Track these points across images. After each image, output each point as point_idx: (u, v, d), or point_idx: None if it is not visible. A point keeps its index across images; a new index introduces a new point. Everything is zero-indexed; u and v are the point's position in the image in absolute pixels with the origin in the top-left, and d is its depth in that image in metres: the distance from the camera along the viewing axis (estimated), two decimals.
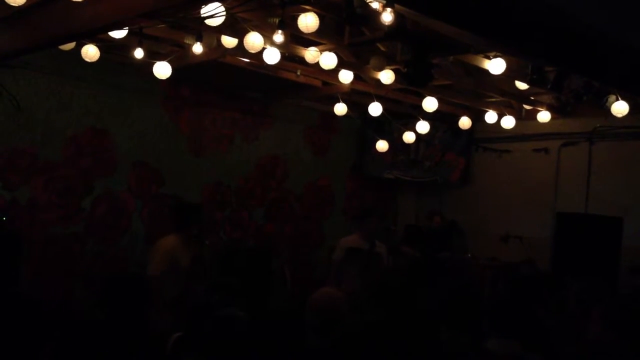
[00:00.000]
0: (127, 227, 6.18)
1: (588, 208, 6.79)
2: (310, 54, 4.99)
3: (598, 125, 6.71)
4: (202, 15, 3.62)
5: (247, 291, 5.48)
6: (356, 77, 5.65)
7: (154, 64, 4.84)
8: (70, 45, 4.81)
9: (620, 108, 5.31)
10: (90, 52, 4.79)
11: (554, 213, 6.87)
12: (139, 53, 4.43)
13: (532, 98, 6.36)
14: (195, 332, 2.76)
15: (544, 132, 7.13)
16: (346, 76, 5.47)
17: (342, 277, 5.20)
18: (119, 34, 4.25)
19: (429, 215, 7.47)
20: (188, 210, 4.95)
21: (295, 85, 6.18)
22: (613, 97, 5.29)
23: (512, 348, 3.09)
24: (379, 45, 5.09)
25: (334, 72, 5.37)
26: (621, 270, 5.91)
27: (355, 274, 5.14)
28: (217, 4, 3.59)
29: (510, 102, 6.65)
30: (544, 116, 6.44)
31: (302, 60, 5.20)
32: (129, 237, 6.17)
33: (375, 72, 5.33)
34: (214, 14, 3.44)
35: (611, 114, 5.41)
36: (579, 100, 5.23)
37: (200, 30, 4.23)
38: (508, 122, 6.53)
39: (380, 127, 7.59)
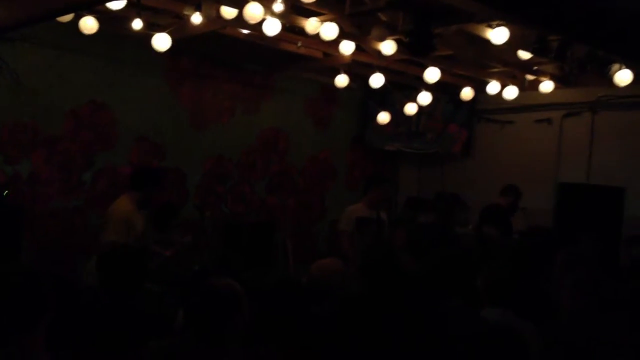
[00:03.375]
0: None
1: (590, 178, 6.79)
2: (311, 25, 4.93)
3: (601, 94, 6.66)
4: None
5: (249, 264, 5.53)
6: (357, 48, 5.58)
7: (153, 35, 4.79)
8: (69, 17, 4.75)
9: (623, 77, 5.27)
10: (89, 24, 4.73)
11: (556, 184, 6.86)
12: (137, 24, 4.39)
13: (535, 68, 6.29)
14: (186, 304, 2.76)
15: (547, 103, 7.08)
16: (347, 47, 5.41)
17: (354, 247, 5.22)
18: (117, 4, 4.20)
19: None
20: (145, 174, 4.88)
21: (296, 57, 6.13)
22: (617, 66, 5.25)
23: (506, 316, 3.11)
24: (380, 15, 5.02)
25: (335, 43, 5.31)
26: (622, 240, 5.92)
27: (367, 245, 5.17)
28: None
29: (513, 72, 6.59)
30: (546, 86, 6.38)
31: (302, 31, 5.14)
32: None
33: (377, 43, 5.27)
34: None
35: (615, 84, 5.36)
36: (583, 69, 5.19)
37: (200, 0, 4.18)
38: (510, 92, 6.48)
39: (381, 98, 7.55)
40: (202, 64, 6.62)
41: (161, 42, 4.78)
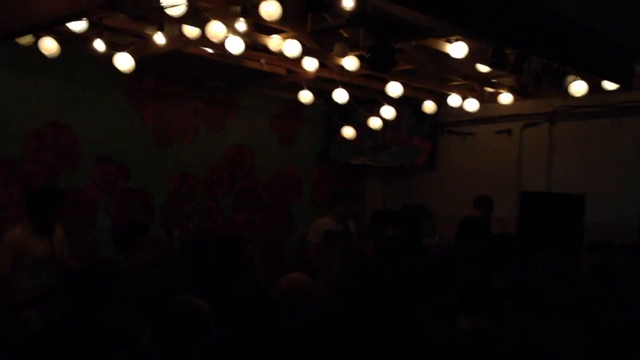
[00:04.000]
0: (93, 222, 6.10)
1: (551, 187, 6.97)
2: (274, 42, 4.98)
3: (558, 105, 6.87)
4: (162, 5, 3.57)
5: (218, 280, 5.49)
6: (320, 64, 5.64)
7: (114, 55, 4.76)
8: (28, 39, 4.70)
9: (578, 88, 5.44)
10: (49, 46, 4.68)
11: (518, 193, 7.02)
12: (99, 45, 4.37)
13: (493, 80, 6.46)
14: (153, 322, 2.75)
15: (506, 114, 7.28)
16: (310, 63, 5.46)
17: (323, 260, 5.24)
18: (78, 25, 4.17)
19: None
20: (34, 198, 4.59)
21: (260, 74, 6.16)
22: (571, 77, 5.42)
23: (480, 324, 3.18)
24: (341, 31, 5.10)
25: (298, 59, 5.36)
26: (584, 246, 6.07)
27: (336, 258, 5.20)
28: None
29: (472, 85, 6.74)
30: (505, 98, 6.55)
31: (265, 49, 5.18)
32: (95, 233, 6.10)
33: (339, 59, 5.35)
34: (175, 4, 3.41)
35: (570, 95, 5.54)
36: (539, 81, 5.34)
37: (162, 20, 4.18)
38: (471, 105, 6.62)
39: (346, 113, 7.60)
40: (165, 83, 6.61)
41: (123, 62, 4.75)
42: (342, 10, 3.66)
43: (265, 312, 3.20)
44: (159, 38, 4.26)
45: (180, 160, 6.78)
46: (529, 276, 3.94)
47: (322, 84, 6.52)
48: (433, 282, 3.37)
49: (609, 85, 5.76)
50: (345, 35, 5.14)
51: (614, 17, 4.80)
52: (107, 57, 4.81)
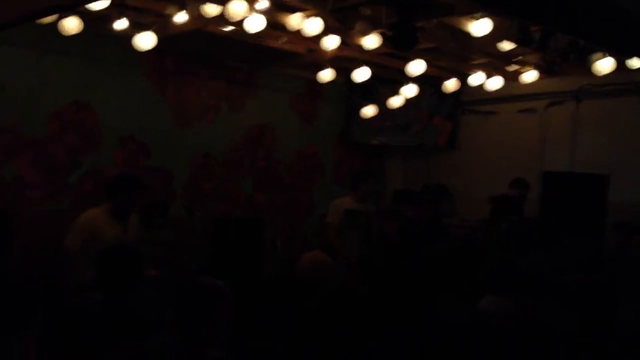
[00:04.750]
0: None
1: (574, 166, 6.86)
2: (295, 21, 4.93)
3: (584, 83, 6.73)
4: None
5: (239, 261, 5.53)
6: (341, 43, 5.59)
7: (135, 35, 4.76)
8: (51, 18, 4.72)
9: (605, 66, 5.32)
10: (71, 24, 4.70)
11: (541, 173, 6.93)
12: (120, 24, 4.37)
13: (518, 58, 6.34)
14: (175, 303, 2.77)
15: (530, 93, 7.14)
16: (331, 42, 5.41)
17: (343, 240, 5.22)
18: (100, 4, 4.17)
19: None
20: (116, 182, 4.62)
21: (280, 53, 6.12)
22: (599, 54, 5.30)
23: (504, 305, 3.16)
24: (362, 9, 5.03)
25: (319, 38, 5.32)
26: (608, 226, 6.00)
27: (357, 239, 5.18)
28: None
29: (496, 63, 6.63)
30: (530, 76, 6.44)
31: (285, 28, 5.14)
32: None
33: (361, 37, 5.28)
34: None
35: (596, 72, 5.42)
36: (565, 59, 5.24)
37: (184, 1, 4.16)
38: (494, 83, 6.52)
39: (366, 92, 7.56)
40: (185, 63, 6.60)
41: (145, 41, 4.77)
42: None
43: (286, 290, 3.22)
44: (181, 17, 4.24)
45: (201, 140, 6.79)
46: (545, 260, 3.91)
47: (343, 63, 6.46)
48: (456, 268, 3.36)
49: (636, 63, 5.63)
50: (366, 13, 5.07)
51: None
52: (129, 36, 4.82)
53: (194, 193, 6.76)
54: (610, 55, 5.29)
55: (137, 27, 4.99)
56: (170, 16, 4.56)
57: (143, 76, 6.32)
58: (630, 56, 5.52)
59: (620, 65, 5.59)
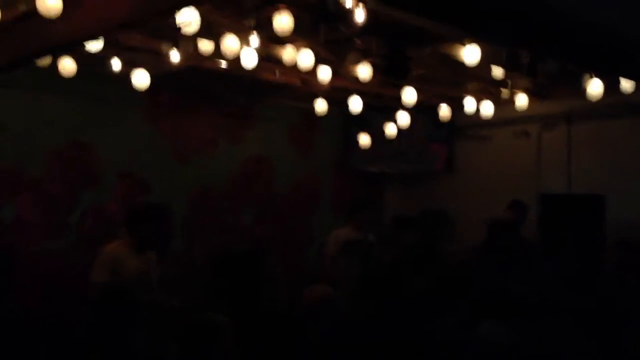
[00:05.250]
0: (115, 238, 6.16)
1: (571, 188, 6.90)
2: (288, 54, 5.02)
3: (575, 105, 6.81)
4: (177, 23, 3.64)
5: (239, 294, 5.50)
6: (335, 73, 5.67)
7: (132, 73, 4.85)
8: (47, 61, 4.80)
9: (595, 88, 5.38)
10: (67, 66, 4.79)
11: (538, 195, 6.96)
12: (116, 65, 4.45)
13: (509, 83, 6.42)
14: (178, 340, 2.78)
15: (523, 116, 7.19)
16: (325, 73, 5.50)
17: (340, 272, 5.21)
18: (95, 46, 4.26)
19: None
20: (133, 215, 4.55)
21: (275, 85, 6.21)
22: (588, 77, 5.37)
23: (501, 333, 3.16)
24: (355, 40, 5.12)
25: (313, 70, 5.40)
26: (606, 246, 6.01)
27: (357, 269, 5.16)
28: (193, 11, 3.61)
29: (488, 88, 6.71)
30: (521, 100, 6.51)
31: (280, 60, 5.23)
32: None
33: (354, 68, 5.37)
34: (190, 21, 3.46)
35: (587, 94, 5.49)
36: (555, 83, 5.31)
37: (176, 38, 4.25)
38: (487, 108, 6.59)
39: (362, 121, 7.63)
40: (182, 98, 6.68)
41: (141, 79, 4.84)
42: (354, 23, 3.68)
43: (289, 324, 3.23)
44: (175, 56, 4.32)
45: (200, 174, 6.84)
46: (539, 282, 3.92)
47: (337, 93, 6.54)
48: (453, 293, 3.37)
49: (626, 84, 5.70)
50: (359, 44, 5.16)
51: (630, 15, 4.76)
52: (125, 74, 4.90)
53: (194, 226, 6.78)
54: (599, 77, 5.36)
55: (132, 65, 5.08)
56: (165, 54, 4.64)
57: (140, 113, 6.40)
58: (620, 77, 5.60)
59: (611, 87, 5.66)
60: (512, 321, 3.23)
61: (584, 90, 5.43)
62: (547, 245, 6.21)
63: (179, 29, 3.76)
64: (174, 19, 3.69)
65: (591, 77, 5.34)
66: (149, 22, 4.11)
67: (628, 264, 5.44)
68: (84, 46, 4.29)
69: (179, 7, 3.51)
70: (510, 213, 6.40)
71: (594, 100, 5.44)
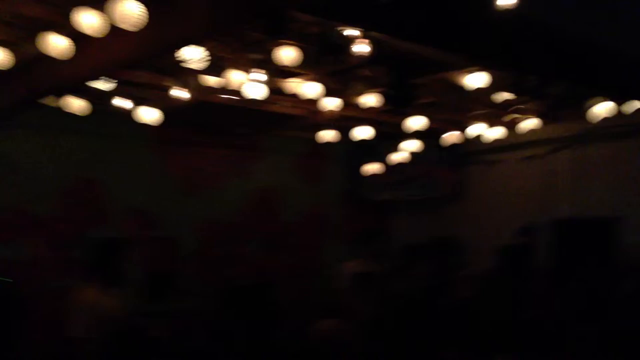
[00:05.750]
0: (126, 275, 6.12)
1: (582, 211, 6.82)
2: (293, 85, 5.04)
3: (584, 127, 6.76)
4: (182, 60, 3.65)
5: (251, 328, 5.44)
6: (341, 103, 5.68)
7: (138, 109, 4.87)
8: (56, 102, 4.84)
9: (603, 110, 5.36)
10: (78, 104, 4.82)
11: (549, 220, 6.88)
12: (123, 103, 4.47)
13: (516, 107, 6.40)
14: None
15: (532, 140, 7.18)
16: (331, 103, 5.50)
17: (353, 306, 5.15)
18: (104, 85, 4.28)
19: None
20: (103, 249, 4.31)
21: (283, 116, 6.22)
22: (595, 99, 5.35)
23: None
24: (360, 70, 5.13)
25: (319, 100, 5.41)
26: (620, 270, 5.91)
27: (367, 301, 5.10)
28: (196, 48, 3.63)
29: (495, 112, 6.69)
30: (529, 124, 6.48)
31: (286, 92, 5.24)
32: (128, 287, 6.11)
33: (360, 97, 5.37)
34: (194, 58, 3.48)
35: (595, 117, 5.46)
36: (562, 106, 5.28)
37: (181, 75, 4.27)
38: (495, 132, 6.57)
39: (369, 149, 7.62)
40: (189, 132, 6.71)
41: (147, 115, 4.87)
42: (357, 54, 3.68)
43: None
44: (181, 93, 4.34)
45: (208, 208, 6.83)
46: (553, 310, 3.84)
47: (344, 122, 6.54)
48: (465, 322, 3.30)
49: (634, 105, 5.67)
50: (364, 73, 5.17)
51: (635, 36, 4.75)
52: (132, 111, 4.93)
53: (203, 261, 6.74)
54: (606, 99, 5.33)
55: (139, 101, 5.10)
56: (170, 89, 4.66)
57: (148, 148, 6.42)
58: (627, 98, 5.57)
59: (620, 108, 5.63)
60: (525, 355, 3.16)
61: (591, 112, 5.41)
62: (560, 271, 6.10)
63: (185, 65, 3.77)
64: (180, 56, 3.70)
65: (599, 100, 5.32)
66: (154, 60, 4.14)
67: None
68: (90, 86, 4.31)
69: (184, 45, 3.53)
70: (521, 238, 6.33)
71: (599, 119, 5.41)
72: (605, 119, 5.61)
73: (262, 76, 4.02)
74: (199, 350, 4.25)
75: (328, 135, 6.41)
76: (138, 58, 3.63)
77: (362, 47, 3.40)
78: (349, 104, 5.89)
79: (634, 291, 5.17)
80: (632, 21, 4.45)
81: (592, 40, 4.82)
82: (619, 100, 5.54)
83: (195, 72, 4.39)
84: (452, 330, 3.58)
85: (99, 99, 5.17)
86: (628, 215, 6.24)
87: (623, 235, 6.18)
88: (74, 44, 3.44)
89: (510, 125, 6.78)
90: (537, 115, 6.51)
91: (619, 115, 5.70)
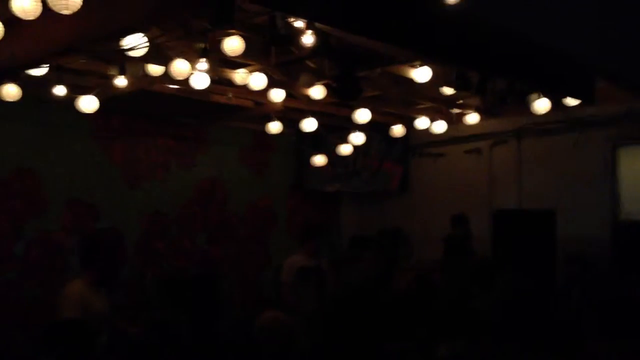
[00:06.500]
0: (65, 268, 5.96)
1: (522, 204, 7.03)
2: (240, 76, 4.98)
3: (524, 123, 6.97)
4: (123, 48, 3.55)
5: (195, 320, 5.38)
6: (288, 95, 5.66)
7: (79, 97, 4.71)
8: None
9: (542, 106, 5.52)
10: (11, 91, 4.61)
11: (490, 211, 7.06)
12: (60, 90, 4.32)
13: (459, 102, 6.53)
14: None
15: (475, 134, 7.35)
16: (277, 95, 5.47)
17: (296, 299, 5.16)
18: (38, 71, 4.12)
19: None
20: (93, 249, 4.35)
21: (228, 108, 6.15)
22: (535, 95, 5.50)
23: (459, 349, 3.16)
24: (307, 62, 5.12)
25: (265, 91, 5.37)
26: (558, 260, 6.12)
27: (311, 295, 5.11)
28: (139, 35, 3.54)
29: (439, 107, 6.81)
30: (472, 119, 6.62)
31: (232, 83, 5.18)
32: (66, 280, 5.94)
33: (306, 89, 5.36)
34: (136, 45, 3.39)
35: (535, 112, 5.62)
36: (503, 101, 5.41)
37: (123, 62, 4.15)
38: (439, 127, 6.68)
39: (316, 141, 7.63)
40: (132, 121, 6.55)
41: (87, 104, 4.72)
42: (304, 45, 3.67)
43: (243, 351, 3.15)
44: (121, 81, 4.22)
45: (152, 199, 6.70)
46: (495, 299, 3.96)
47: (290, 114, 6.52)
48: (411, 313, 3.35)
49: (571, 101, 5.87)
50: (310, 65, 5.16)
51: (573, 35, 4.92)
52: (72, 98, 4.76)
53: (146, 252, 6.61)
54: (545, 95, 5.49)
55: (79, 89, 4.93)
56: (112, 77, 4.52)
57: (89, 138, 6.23)
58: (566, 95, 5.76)
59: (557, 104, 5.81)
60: (470, 341, 3.23)
61: (531, 108, 5.57)
62: (500, 261, 6.27)
63: (125, 53, 3.67)
64: (120, 43, 3.60)
65: (538, 96, 5.47)
66: (94, 47, 4.02)
67: (575, 278, 5.57)
68: (25, 72, 4.15)
69: (126, 32, 3.44)
70: (458, 230, 6.48)
71: (540, 113, 5.58)
72: (543, 115, 5.78)
73: (207, 66, 3.94)
74: (141, 343, 4.17)
75: (275, 127, 6.38)
76: (77, 43, 3.51)
77: (307, 38, 3.38)
78: (296, 96, 5.88)
79: (571, 281, 5.36)
80: (571, 22, 4.60)
81: (533, 38, 4.96)
82: (557, 97, 5.72)
83: (137, 60, 4.27)
84: (396, 321, 3.62)
85: (36, 86, 4.98)
86: (564, 207, 6.45)
87: (559, 227, 6.38)
88: (3, 27, 3.28)
89: (454, 120, 6.92)
90: (479, 110, 6.67)
91: (556, 111, 5.89)
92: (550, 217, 6.34)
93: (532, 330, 3.39)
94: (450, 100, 6.43)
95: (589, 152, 6.70)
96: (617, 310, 3.54)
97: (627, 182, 6.61)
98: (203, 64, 3.87)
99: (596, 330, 3.40)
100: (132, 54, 3.80)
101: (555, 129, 6.81)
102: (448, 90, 5.65)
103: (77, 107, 4.76)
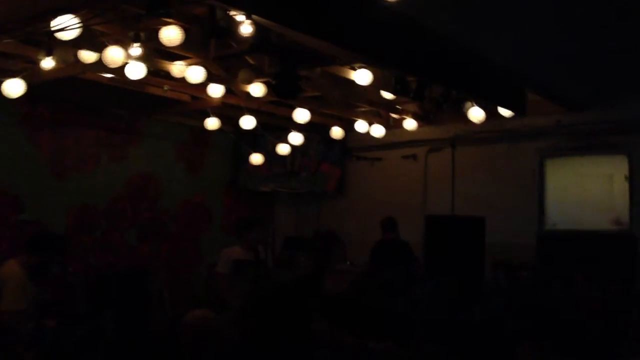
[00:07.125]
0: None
1: (454, 210, 7.17)
2: (177, 69, 4.86)
3: (459, 131, 7.12)
4: (52, 29, 3.39)
5: (121, 318, 5.22)
6: (227, 91, 5.57)
7: (4, 81, 4.48)
8: None
9: (476, 115, 5.65)
10: None
11: (424, 217, 7.17)
12: None
13: (398, 107, 6.61)
14: None
15: (412, 140, 7.47)
16: (216, 90, 5.38)
17: (231, 290, 5.09)
18: None
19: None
20: (48, 239, 4.46)
21: (164, 101, 6.00)
22: (469, 104, 5.63)
23: (387, 345, 3.20)
24: (247, 58, 5.05)
25: (203, 86, 5.27)
26: (486, 266, 6.26)
27: (246, 289, 5.05)
28: (69, 16, 3.39)
29: (378, 111, 6.88)
30: (409, 124, 6.72)
31: (169, 75, 5.06)
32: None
33: (245, 85, 5.29)
34: (65, 27, 3.24)
35: (469, 121, 5.75)
36: (439, 108, 5.51)
37: (50, 44, 3.96)
38: (377, 131, 6.75)
39: (254, 140, 7.56)
40: (61, 110, 6.29)
41: (13, 88, 4.49)
42: (243, 37, 3.61)
43: (169, 348, 3.06)
44: (48, 63, 4.03)
45: (79, 191, 6.45)
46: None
47: (228, 111, 6.42)
48: (341, 312, 3.35)
49: (504, 112, 6.04)
50: (251, 61, 5.10)
51: (508, 48, 5.04)
52: None
53: (72, 246, 6.35)
54: (480, 104, 5.63)
55: (5, 73, 4.69)
56: (41, 62, 4.32)
57: (14, 125, 5.94)
58: (499, 105, 5.92)
59: (492, 114, 5.97)
60: (394, 340, 3.27)
61: (466, 116, 5.69)
62: (432, 265, 6.37)
63: (54, 35, 3.51)
64: (49, 25, 3.44)
65: (472, 105, 5.60)
66: (23, 28, 3.82)
67: (501, 284, 5.73)
68: None
69: (55, 13, 3.28)
70: (389, 234, 6.55)
71: (475, 122, 5.71)
72: (478, 125, 5.93)
73: (140, 51, 3.82)
74: (60, 338, 4.01)
75: (212, 123, 6.27)
76: (4, 23, 3.32)
77: (246, 28, 3.34)
78: (235, 93, 5.80)
79: (497, 285, 5.50)
80: (506, 36, 4.72)
81: (473, 49, 5.07)
82: (490, 106, 5.87)
83: (68, 45, 4.10)
84: (327, 321, 3.61)
85: None
86: (492, 215, 6.60)
87: (488, 234, 6.53)
88: None
89: (392, 124, 7.00)
90: (417, 117, 6.77)
91: (491, 121, 6.05)
92: (480, 224, 6.49)
93: (455, 332, 3.45)
94: (389, 105, 6.50)
95: (519, 163, 6.91)
96: (538, 314, 3.66)
97: (553, 192, 6.85)
98: (136, 49, 3.74)
99: (518, 334, 3.49)
100: (62, 37, 3.63)
101: (489, 138, 6.99)
102: (387, 95, 5.71)
103: (2, 91, 4.52)
